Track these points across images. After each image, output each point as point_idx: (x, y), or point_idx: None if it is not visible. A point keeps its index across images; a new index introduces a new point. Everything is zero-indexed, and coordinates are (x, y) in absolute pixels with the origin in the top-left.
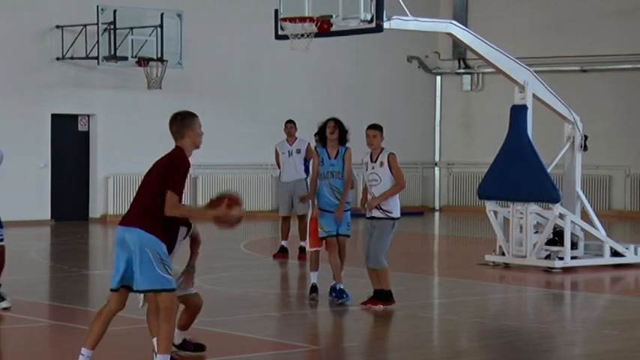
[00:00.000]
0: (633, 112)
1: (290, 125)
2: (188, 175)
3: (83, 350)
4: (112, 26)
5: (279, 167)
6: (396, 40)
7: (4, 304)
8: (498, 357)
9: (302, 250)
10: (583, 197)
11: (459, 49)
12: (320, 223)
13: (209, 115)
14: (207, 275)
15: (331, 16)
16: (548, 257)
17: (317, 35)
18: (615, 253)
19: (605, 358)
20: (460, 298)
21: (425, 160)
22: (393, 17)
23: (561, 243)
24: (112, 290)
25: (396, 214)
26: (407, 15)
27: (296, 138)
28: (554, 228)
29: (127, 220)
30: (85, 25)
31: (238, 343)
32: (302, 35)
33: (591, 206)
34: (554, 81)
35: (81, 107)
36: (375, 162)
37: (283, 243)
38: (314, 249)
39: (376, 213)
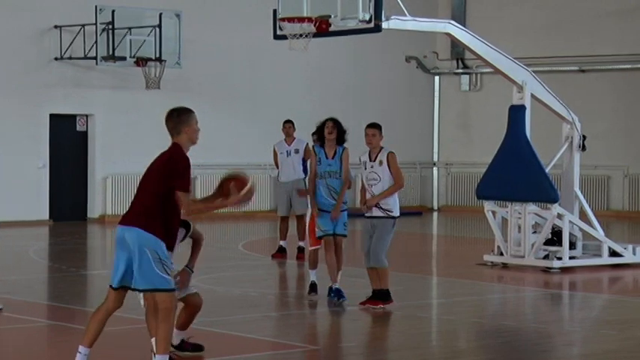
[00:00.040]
0: (632, 112)
1: (288, 125)
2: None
3: (80, 348)
4: (110, 26)
5: (278, 167)
6: (395, 40)
7: None
8: (497, 357)
9: (300, 250)
10: (581, 197)
11: (458, 49)
12: (317, 222)
13: (207, 115)
14: (206, 275)
15: (330, 16)
16: (546, 257)
17: (315, 35)
18: (613, 253)
19: (604, 358)
20: (458, 298)
21: (423, 160)
22: (392, 17)
23: (559, 243)
24: (110, 287)
25: (396, 212)
26: (405, 15)
27: (294, 138)
28: (553, 228)
29: (127, 220)
30: (83, 25)
31: (237, 343)
32: (300, 35)
33: (589, 206)
34: (553, 81)
35: (79, 107)
36: (374, 161)
37: (282, 243)
38: (313, 248)
39: (376, 212)
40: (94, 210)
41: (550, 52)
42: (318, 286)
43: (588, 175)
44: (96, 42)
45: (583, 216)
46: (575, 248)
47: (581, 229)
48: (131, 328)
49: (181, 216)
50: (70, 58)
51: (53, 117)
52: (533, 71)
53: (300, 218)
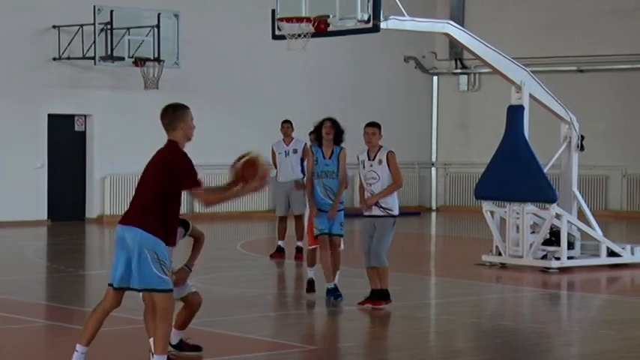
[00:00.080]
0: (630, 112)
1: (287, 125)
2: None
3: (78, 347)
4: (108, 26)
5: (276, 167)
6: (393, 41)
7: None
8: (495, 357)
9: (299, 250)
10: (580, 197)
11: (456, 50)
12: (314, 221)
13: (206, 115)
14: (205, 275)
15: (328, 16)
16: (544, 257)
17: (314, 35)
18: (612, 254)
19: (602, 358)
20: (457, 299)
21: (422, 161)
22: (390, 17)
23: (558, 243)
24: (110, 286)
25: (396, 211)
26: (404, 15)
27: (292, 138)
28: (551, 228)
29: (127, 219)
30: (81, 26)
31: (235, 344)
32: (299, 35)
33: (588, 206)
34: (552, 81)
35: (77, 107)
36: (374, 160)
37: (280, 243)
38: (312, 247)
39: (376, 211)
40: (92, 210)
41: (548, 53)
42: (317, 287)
43: (586, 175)
44: (94, 42)
45: (581, 216)
46: (573, 248)
47: (579, 229)
48: (129, 328)
49: (204, 206)
50: (69, 58)
51: (51, 117)
52: (532, 71)
53: (299, 218)
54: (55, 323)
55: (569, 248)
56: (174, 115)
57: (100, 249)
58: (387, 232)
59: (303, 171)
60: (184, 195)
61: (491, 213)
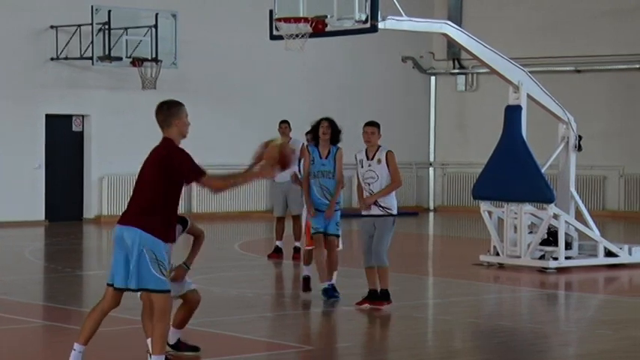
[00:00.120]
0: (628, 112)
1: (284, 125)
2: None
3: (75, 345)
4: (106, 26)
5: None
6: (391, 41)
7: None
8: (492, 357)
9: (296, 250)
10: (577, 197)
11: (454, 50)
12: (310, 221)
13: (204, 115)
14: (202, 276)
15: (326, 17)
16: (542, 257)
17: (312, 35)
18: (609, 254)
19: (599, 358)
20: (454, 299)
21: (419, 161)
22: (388, 17)
23: (555, 243)
24: (110, 286)
25: (395, 210)
26: (401, 15)
27: (290, 138)
28: (549, 228)
29: (126, 219)
30: (79, 26)
31: (233, 344)
32: (297, 35)
33: (585, 206)
34: (549, 81)
35: (75, 107)
36: (372, 159)
37: (278, 243)
38: (309, 248)
39: (375, 210)
40: (89, 210)
41: (546, 53)
42: (313, 285)
43: (584, 175)
44: (92, 42)
45: (579, 216)
46: (571, 248)
47: (577, 230)
48: (127, 328)
49: (213, 192)
50: (66, 58)
51: (49, 117)
52: (530, 71)
53: (296, 218)
54: (53, 323)
55: (566, 248)
56: (168, 111)
57: (98, 249)
58: (387, 231)
59: (300, 171)
60: (183, 195)
61: (489, 213)
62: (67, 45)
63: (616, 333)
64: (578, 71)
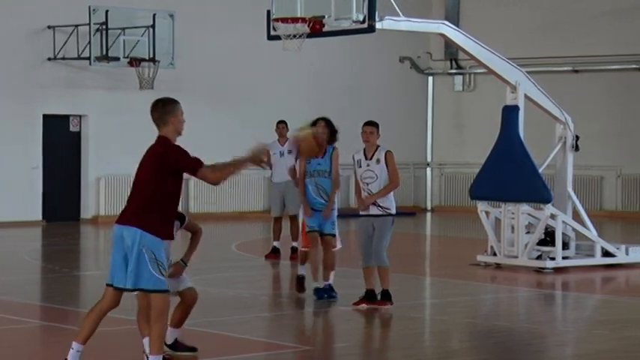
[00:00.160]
0: (625, 112)
1: (282, 126)
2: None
3: (74, 344)
4: (103, 26)
5: (271, 168)
6: (388, 41)
7: None
8: (490, 357)
9: (294, 250)
10: (574, 197)
11: (451, 50)
12: (306, 220)
13: (201, 115)
14: (200, 276)
15: (323, 17)
16: (539, 257)
17: (309, 36)
18: (606, 254)
19: (596, 358)
20: (452, 299)
21: (417, 161)
22: (385, 18)
23: (552, 243)
24: (109, 286)
25: (394, 210)
26: (399, 15)
27: (287, 138)
28: (546, 228)
29: (125, 219)
30: (76, 26)
31: (230, 344)
32: (294, 36)
33: (583, 206)
34: (547, 81)
35: (73, 108)
36: (371, 159)
37: (275, 244)
38: (305, 249)
39: (374, 210)
40: (87, 211)
41: (544, 53)
42: (307, 285)
43: (581, 175)
44: (89, 42)
45: (576, 216)
46: (568, 248)
47: (574, 230)
48: (126, 328)
49: (212, 183)
50: (64, 58)
51: (46, 117)
52: (527, 72)
53: (294, 219)
54: (50, 324)
55: (563, 248)
56: (164, 109)
57: (95, 249)
58: (386, 231)
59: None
60: (182, 195)
61: (486, 213)
62: (64, 45)
63: (613, 333)
64: (576, 71)
